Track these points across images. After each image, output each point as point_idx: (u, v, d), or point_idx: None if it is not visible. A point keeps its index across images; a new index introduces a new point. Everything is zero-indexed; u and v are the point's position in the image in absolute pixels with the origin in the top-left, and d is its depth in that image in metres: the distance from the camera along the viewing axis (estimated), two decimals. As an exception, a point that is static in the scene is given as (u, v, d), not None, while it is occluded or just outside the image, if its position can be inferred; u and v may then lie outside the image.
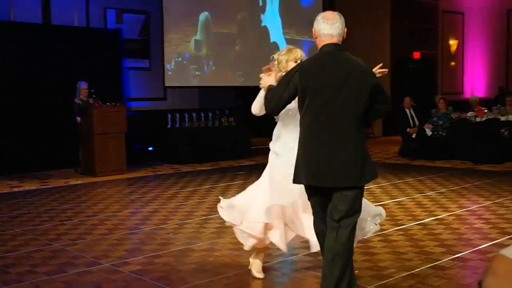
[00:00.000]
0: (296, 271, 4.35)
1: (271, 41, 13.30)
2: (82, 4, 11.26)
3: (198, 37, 12.15)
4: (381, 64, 3.57)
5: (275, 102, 3.33)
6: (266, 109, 3.49)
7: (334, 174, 3.18)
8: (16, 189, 8.45)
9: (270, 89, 3.49)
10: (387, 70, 3.62)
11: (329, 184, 3.22)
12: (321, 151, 3.20)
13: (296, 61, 3.82)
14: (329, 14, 3.34)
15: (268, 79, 3.68)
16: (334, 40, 3.26)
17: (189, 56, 12.10)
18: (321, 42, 3.30)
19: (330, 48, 3.26)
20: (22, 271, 4.40)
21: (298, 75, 3.23)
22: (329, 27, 3.26)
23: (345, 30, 3.34)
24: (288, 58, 3.87)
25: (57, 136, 10.32)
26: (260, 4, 13.23)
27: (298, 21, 13.71)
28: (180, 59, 11.90)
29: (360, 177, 3.21)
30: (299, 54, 3.87)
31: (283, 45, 13.39)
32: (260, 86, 3.75)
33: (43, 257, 4.78)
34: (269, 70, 3.79)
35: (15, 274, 4.33)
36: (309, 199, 3.42)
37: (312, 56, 3.41)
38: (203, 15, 12.19)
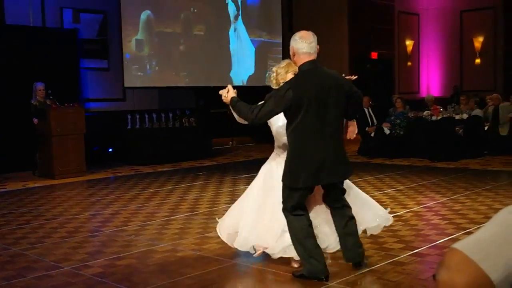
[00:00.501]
0: (257, 269, 4.37)
1: (218, 40, 13.13)
2: (37, 3, 11.04)
3: (139, 36, 11.91)
4: (355, 76, 4.20)
5: (264, 114, 3.72)
6: (251, 120, 3.77)
7: (332, 171, 3.80)
8: (-29, 193, 8.23)
9: (236, 100, 3.85)
10: (354, 76, 4.17)
11: (329, 181, 3.85)
12: (318, 154, 3.74)
13: (294, 73, 4.02)
14: (306, 33, 3.79)
15: (229, 94, 3.89)
16: (312, 57, 3.75)
17: (130, 56, 11.82)
18: (300, 59, 3.76)
19: (312, 66, 3.75)
20: (-21, 276, 4.30)
21: (292, 92, 3.65)
22: (307, 46, 3.73)
23: (318, 47, 3.78)
24: (288, 70, 4.13)
25: (13, 138, 10.10)
26: (206, 3, 13.09)
27: (245, 20, 13.69)
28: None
29: (348, 171, 4.02)
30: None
31: (230, 45, 13.33)
32: (224, 100, 3.94)
33: (0, 262, 4.68)
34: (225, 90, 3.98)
35: (-28, 280, 4.23)
36: (297, 196, 3.82)
37: (298, 74, 3.85)
38: (144, 14, 11.96)
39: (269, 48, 14.05)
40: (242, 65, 13.52)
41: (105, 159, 11.42)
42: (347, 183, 4.18)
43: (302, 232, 3.82)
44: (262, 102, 3.77)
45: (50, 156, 9.34)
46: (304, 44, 3.70)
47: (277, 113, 3.77)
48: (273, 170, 4.23)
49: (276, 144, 4.29)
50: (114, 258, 4.71)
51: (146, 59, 12.12)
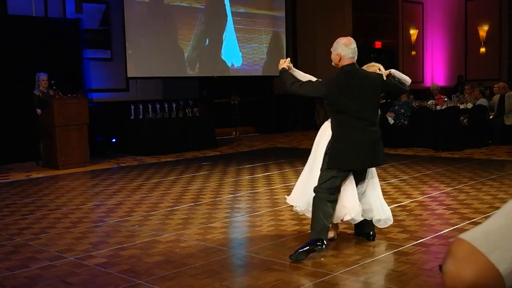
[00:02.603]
0: (261, 259, 4.37)
1: (219, 29, 13.03)
2: (40, -6, 11.00)
3: (143, 26, 11.81)
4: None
5: (296, 89, 4.30)
6: (288, 88, 4.35)
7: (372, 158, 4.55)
8: (-25, 184, 8.25)
9: (283, 70, 4.46)
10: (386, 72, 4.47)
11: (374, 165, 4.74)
12: (357, 141, 4.30)
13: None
14: (349, 40, 4.30)
15: (285, 64, 4.53)
16: (353, 60, 4.30)
17: (133, 46, 11.70)
18: (344, 63, 4.28)
19: (351, 67, 4.29)
20: (-17, 267, 4.31)
21: (326, 88, 4.26)
22: (351, 52, 4.28)
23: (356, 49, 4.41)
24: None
25: (16, 129, 10.10)
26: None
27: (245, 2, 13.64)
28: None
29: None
30: (377, 66, 4.70)
31: (231, 31, 13.22)
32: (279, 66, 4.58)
33: (4, 252, 4.69)
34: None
35: (-24, 270, 4.24)
36: (341, 179, 4.32)
37: (340, 73, 4.32)
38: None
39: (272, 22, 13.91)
40: (246, 49, 13.43)
41: (108, 149, 11.42)
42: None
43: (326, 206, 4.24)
44: (308, 80, 4.43)
45: (54, 147, 9.34)
46: (349, 51, 4.27)
47: (305, 96, 4.47)
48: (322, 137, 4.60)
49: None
50: (118, 248, 4.71)
51: (149, 49, 12.08)
